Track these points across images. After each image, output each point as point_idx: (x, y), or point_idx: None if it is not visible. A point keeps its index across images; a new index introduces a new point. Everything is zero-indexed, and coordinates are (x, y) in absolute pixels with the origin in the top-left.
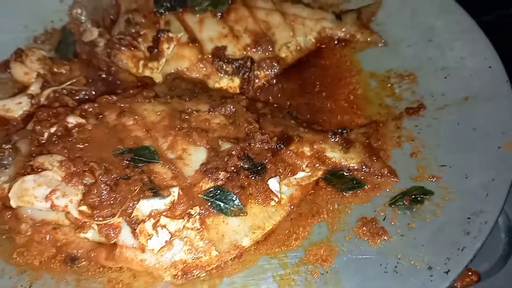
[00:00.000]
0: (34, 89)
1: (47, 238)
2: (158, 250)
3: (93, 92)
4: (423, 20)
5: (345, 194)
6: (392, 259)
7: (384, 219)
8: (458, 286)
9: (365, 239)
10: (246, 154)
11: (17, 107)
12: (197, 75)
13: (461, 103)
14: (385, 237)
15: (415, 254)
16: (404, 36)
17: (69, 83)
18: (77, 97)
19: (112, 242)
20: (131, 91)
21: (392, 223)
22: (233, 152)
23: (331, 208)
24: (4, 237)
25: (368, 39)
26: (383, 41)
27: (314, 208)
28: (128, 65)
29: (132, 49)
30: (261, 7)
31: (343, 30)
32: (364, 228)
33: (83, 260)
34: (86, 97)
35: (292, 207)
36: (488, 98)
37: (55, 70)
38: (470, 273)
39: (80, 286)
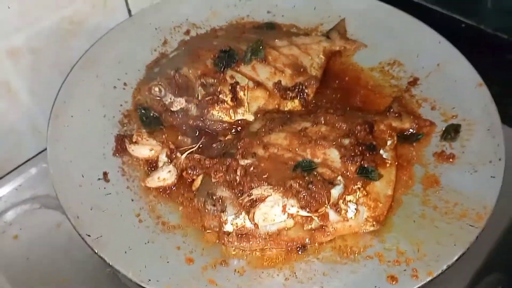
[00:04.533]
0: (164, 158)
1: (280, 243)
2: (354, 216)
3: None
4: (380, 24)
5: (414, 144)
6: (468, 165)
7: (446, 149)
8: None
9: (444, 163)
10: (359, 141)
11: (169, 175)
12: (272, 106)
13: (437, 68)
14: (455, 157)
15: (477, 158)
16: (374, 38)
17: (197, 145)
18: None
19: (325, 224)
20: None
21: (451, 148)
22: (353, 142)
23: (413, 155)
24: (245, 257)
25: (353, 46)
26: (364, 44)
27: (405, 159)
28: (221, 116)
29: (220, 103)
30: (280, 45)
31: (336, 44)
32: (440, 158)
33: (309, 245)
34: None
35: (395, 163)
36: (449, 60)
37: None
38: None
39: (323, 259)
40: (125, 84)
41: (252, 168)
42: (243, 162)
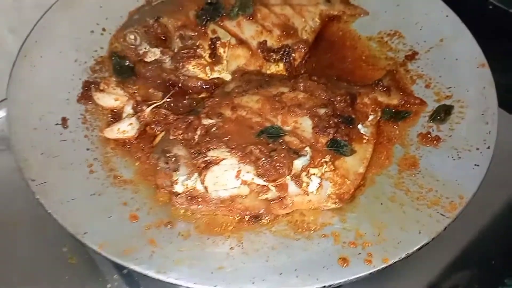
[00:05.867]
0: (129, 110)
1: (232, 210)
2: (316, 191)
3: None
4: None
5: (399, 122)
6: (453, 151)
7: (433, 130)
8: None
9: (428, 145)
10: (336, 112)
11: (130, 127)
12: (253, 68)
13: (439, 44)
14: (441, 140)
15: (464, 144)
16: (377, 6)
17: (167, 98)
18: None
19: (283, 195)
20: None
21: (439, 131)
22: (330, 113)
23: (396, 134)
24: (194, 221)
25: (353, 13)
26: (366, 12)
27: (386, 137)
28: (196, 73)
29: (197, 58)
30: (273, 3)
31: (335, 9)
32: (424, 139)
33: (264, 216)
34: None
35: (374, 140)
36: (454, 36)
37: (130, 91)
38: None
39: (276, 232)
40: (103, 29)
41: (214, 129)
42: (206, 121)
